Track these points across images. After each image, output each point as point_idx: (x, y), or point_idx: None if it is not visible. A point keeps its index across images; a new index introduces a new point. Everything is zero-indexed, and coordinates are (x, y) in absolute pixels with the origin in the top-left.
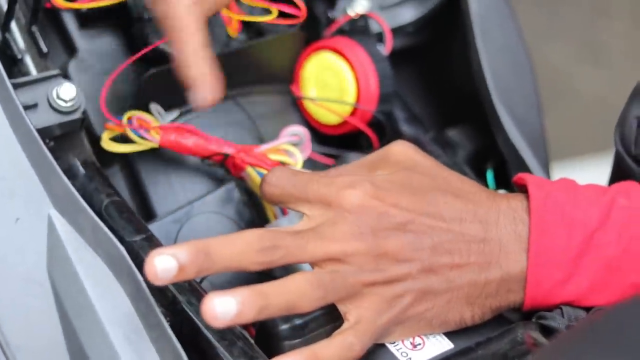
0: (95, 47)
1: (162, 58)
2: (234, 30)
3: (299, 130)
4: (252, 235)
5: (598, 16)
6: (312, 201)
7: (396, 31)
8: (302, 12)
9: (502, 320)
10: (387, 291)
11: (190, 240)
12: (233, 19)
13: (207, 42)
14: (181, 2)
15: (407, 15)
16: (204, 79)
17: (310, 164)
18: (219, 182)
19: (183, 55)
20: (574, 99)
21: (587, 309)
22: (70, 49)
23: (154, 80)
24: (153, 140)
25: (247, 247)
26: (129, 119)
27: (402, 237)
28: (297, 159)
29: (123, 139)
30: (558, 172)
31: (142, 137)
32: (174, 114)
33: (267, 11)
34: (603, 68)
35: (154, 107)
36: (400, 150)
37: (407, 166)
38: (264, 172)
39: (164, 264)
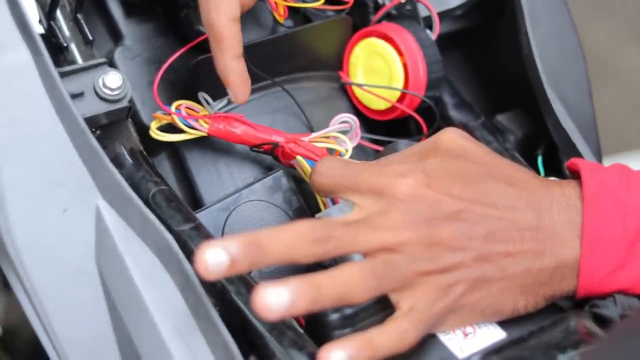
0: (141, 34)
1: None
2: (280, 16)
3: (349, 118)
4: (304, 226)
5: None
6: (363, 191)
7: (444, 15)
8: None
9: (554, 308)
10: (440, 280)
11: (240, 233)
12: (280, 5)
13: (240, 53)
14: (221, 16)
15: None
16: (234, 83)
17: (359, 150)
18: (267, 169)
19: (218, 63)
20: (619, 78)
21: None
22: (116, 37)
23: (201, 67)
24: (201, 129)
25: (299, 238)
26: (177, 108)
27: (455, 226)
28: (348, 146)
29: (171, 128)
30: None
31: (191, 127)
32: (223, 102)
33: None
34: None
35: (202, 95)
36: (450, 138)
37: (459, 154)
38: (314, 160)
39: (215, 258)
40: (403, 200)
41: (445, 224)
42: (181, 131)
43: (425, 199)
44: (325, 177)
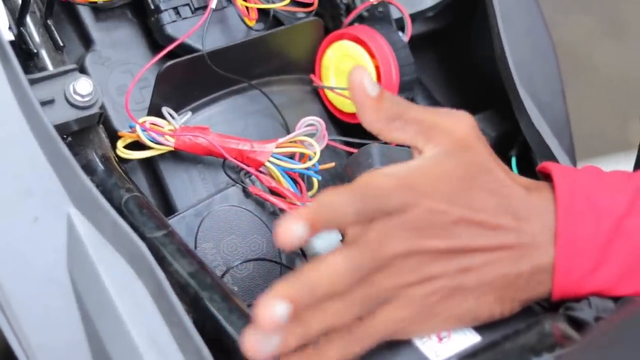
0: (111, 39)
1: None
2: (250, 19)
3: (314, 121)
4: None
5: None
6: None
7: (416, 16)
8: (314, 0)
9: (529, 311)
10: (418, 290)
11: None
12: (248, 8)
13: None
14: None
15: (427, 0)
16: None
17: (331, 152)
18: (239, 174)
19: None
20: (593, 74)
21: (617, 299)
22: (87, 42)
23: (170, 73)
24: (168, 144)
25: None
26: (142, 126)
27: (437, 235)
28: (315, 149)
29: (138, 144)
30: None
31: (157, 142)
32: (187, 115)
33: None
34: (624, 43)
35: (166, 110)
36: (466, 130)
37: (463, 147)
38: (282, 165)
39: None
40: (389, 212)
41: (429, 235)
42: (148, 147)
43: (411, 210)
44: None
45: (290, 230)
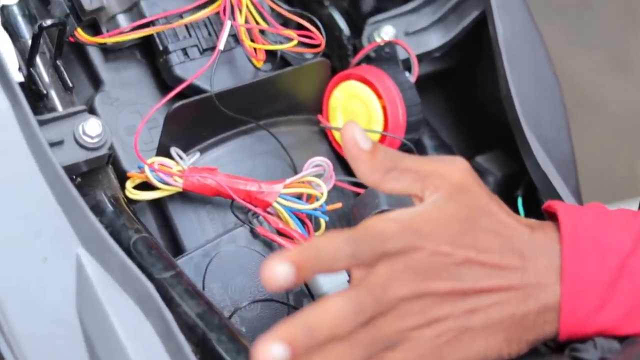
0: (120, 79)
1: (188, 91)
2: (258, 60)
3: (322, 161)
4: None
5: (625, 23)
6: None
7: (423, 57)
8: (321, 41)
9: (535, 353)
10: (426, 332)
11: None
12: (257, 49)
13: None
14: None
15: (434, 40)
16: None
17: (338, 192)
18: (247, 215)
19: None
20: (600, 110)
21: (622, 339)
22: (96, 82)
23: (179, 114)
24: (176, 185)
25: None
26: (151, 166)
27: (444, 277)
28: (322, 190)
29: (147, 184)
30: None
31: (166, 183)
32: (195, 155)
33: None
34: (630, 79)
35: (175, 150)
36: (462, 175)
37: (460, 191)
38: (290, 206)
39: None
40: (393, 255)
41: (434, 277)
42: (157, 188)
43: (415, 252)
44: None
45: (275, 272)
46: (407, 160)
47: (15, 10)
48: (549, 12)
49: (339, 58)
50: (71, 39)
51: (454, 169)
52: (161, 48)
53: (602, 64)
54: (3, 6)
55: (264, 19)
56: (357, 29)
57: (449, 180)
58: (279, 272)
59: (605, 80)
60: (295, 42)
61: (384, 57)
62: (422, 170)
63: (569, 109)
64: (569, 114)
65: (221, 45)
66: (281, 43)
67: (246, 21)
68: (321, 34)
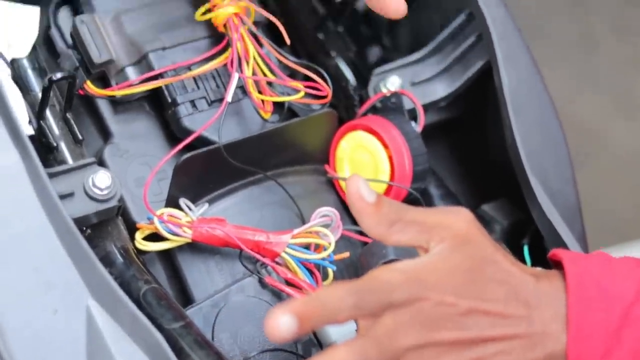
0: (129, 131)
1: (196, 142)
2: (266, 112)
3: (329, 211)
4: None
5: (630, 67)
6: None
7: (428, 107)
8: (328, 93)
9: None
10: None
11: None
12: (264, 101)
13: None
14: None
15: (439, 90)
16: None
17: (345, 242)
18: (256, 265)
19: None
20: (607, 153)
21: None
22: (105, 134)
23: (187, 165)
24: (185, 235)
25: None
26: (160, 218)
27: (450, 327)
28: (330, 240)
29: (156, 235)
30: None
31: (175, 234)
32: (204, 206)
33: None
34: (637, 121)
35: (184, 201)
36: (466, 225)
37: (464, 241)
38: (298, 256)
39: None
40: (398, 306)
41: (439, 327)
42: (166, 239)
43: (420, 303)
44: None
45: (278, 323)
46: (412, 212)
47: (26, 63)
48: (556, 56)
49: (345, 108)
50: (81, 92)
51: (459, 220)
52: (169, 100)
53: (608, 107)
54: (13, 59)
55: (271, 71)
56: (363, 79)
57: (453, 231)
58: (282, 323)
59: (611, 123)
60: (302, 93)
61: (390, 107)
62: (427, 222)
63: (574, 151)
64: (575, 156)
65: (229, 98)
66: (288, 94)
67: (253, 73)
68: (328, 85)
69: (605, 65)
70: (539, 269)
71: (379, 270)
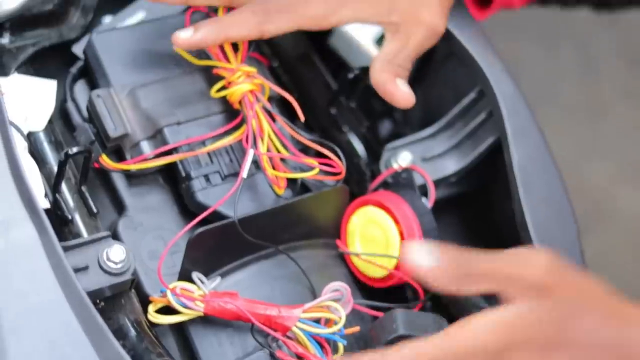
0: (143, 204)
1: (210, 216)
2: (279, 188)
3: (340, 286)
4: None
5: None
6: None
7: (439, 182)
8: (341, 170)
9: None
10: None
11: None
12: (279, 177)
13: None
14: None
15: (450, 166)
16: None
17: (356, 316)
18: (267, 339)
19: None
20: (616, 220)
21: None
22: (120, 207)
23: (201, 240)
24: (198, 309)
25: None
26: (172, 291)
27: None
28: (341, 314)
29: (169, 308)
30: None
31: (188, 307)
32: (216, 280)
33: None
34: None
35: (196, 275)
36: (540, 272)
37: (543, 294)
38: (309, 330)
39: None
40: None
41: None
42: (179, 312)
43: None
44: None
45: None
46: (481, 264)
47: (42, 136)
48: (564, 121)
49: (357, 182)
50: (96, 165)
51: (531, 267)
52: (184, 174)
53: (616, 173)
54: (30, 133)
55: (285, 147)
56: (374, 153)
57: (526, 282)
58: None
59: (618, 189)
60: (316, 170)
61: (401, 182)
62: (498, 274)
63: (581, 217)
64: (582, 223)
65: (244, 174)
66: (302, 168)
67: (268, 149)
68: (342, 162)
69: (613, 131)
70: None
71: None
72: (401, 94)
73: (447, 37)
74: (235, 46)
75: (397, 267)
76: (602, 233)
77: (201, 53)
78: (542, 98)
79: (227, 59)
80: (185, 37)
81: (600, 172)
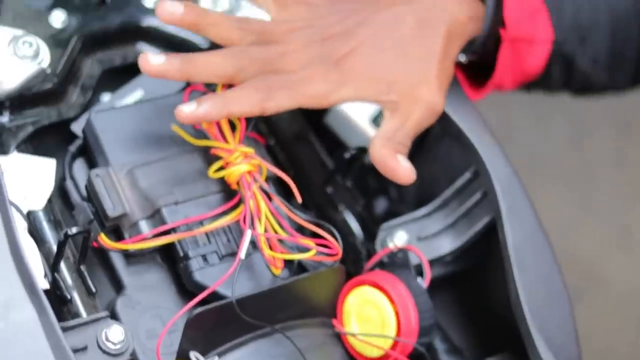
0: (141, 283)
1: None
2: (277, 268)
3: None
4: None
5: (630, 200)
6: None
7: (434, 261)
8: (338, 251)
9: None
10: None
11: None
12: (276, 258)
13: None
14: None
15: (445, 245)
16: None
17: None
18: None
19: None
20: (606, 288)
21: None
22: (118, 285)
23: (199, 320)
24: None
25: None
26: None
27: None
28: None
29: None
30: None
31: None
32: (214, 359)
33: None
34: (636, 254)
35: (194, 355)
36: None
37: None
38: None
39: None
40: None
41: None
42: None
43: None
44: None
45: None
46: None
47: (41, 215)
48: (555, 187)
49: (352, 261)
50: (94, 244)
51: None
52: (182, 254)
53: (607, 241)
54: (29, 212)
55: (281, 226)
56: (370, 232)
57: None
58: None
59: (609, 257)
60: (313, 252)
61: (397, 262)
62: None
63: (574, 286)
64: (573, 293)
65: (242, 255)
66: (299, 248)
67: (265, 230)
68: (339, 243)
69: (604, 197)
70: None
71: None
72: (402, 170)
73: (442, 116)
74: (232, 125)
75: (393, 347)
76: (593, 300)
77: (199, 133)
78: (534, 164)
79: (225, 139)
80: (189, 110)
81: (591, 238)
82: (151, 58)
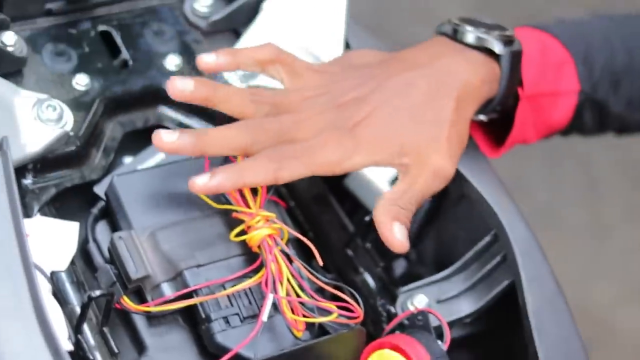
0: (163, 344)
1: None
2: (298, 331)
3: None
4: None
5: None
6: None
7: (454, 323)
8: (359, 314)
9: None
10: None
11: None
12: (298, 321)
13: None
14: None
15: (465, 308)
16: None
17: None
18: None
19: None
20: (619, 341)
21: None
22: (140, 347)
23: None
24: None
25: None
26: None
27: None
28: None
29: None
30: None
31: None
32: None
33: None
34: None
35: None
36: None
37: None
38: None
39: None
40: None
41: None
42: None
43: None
44: None
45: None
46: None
47: (64, 277)
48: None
49: (372, 323)
50: (117, 306)
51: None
52: (203, 316)
53: (619, 295)
54: (52, 273)
55: (303, 289)
56: (390, 294)
57: None
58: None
59: (621, 310)
60: (335, 315)
61: (417, 324)
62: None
63: (585, 339)
64: (588, 345)
65: (264, 317)
66: (319, 310)
67: (287, 293)
68: (360, 306)
69: (617, 251)
70: None
71: None
72: (394, 242)
73: (460, 179)
74: (254, 190)
75: None
76: (605, 354)
77: (220, 197)
78: (546, 218)
79: (247, 204)
80: (202, 183)
81: (603, 292)
82: (164, 135)
